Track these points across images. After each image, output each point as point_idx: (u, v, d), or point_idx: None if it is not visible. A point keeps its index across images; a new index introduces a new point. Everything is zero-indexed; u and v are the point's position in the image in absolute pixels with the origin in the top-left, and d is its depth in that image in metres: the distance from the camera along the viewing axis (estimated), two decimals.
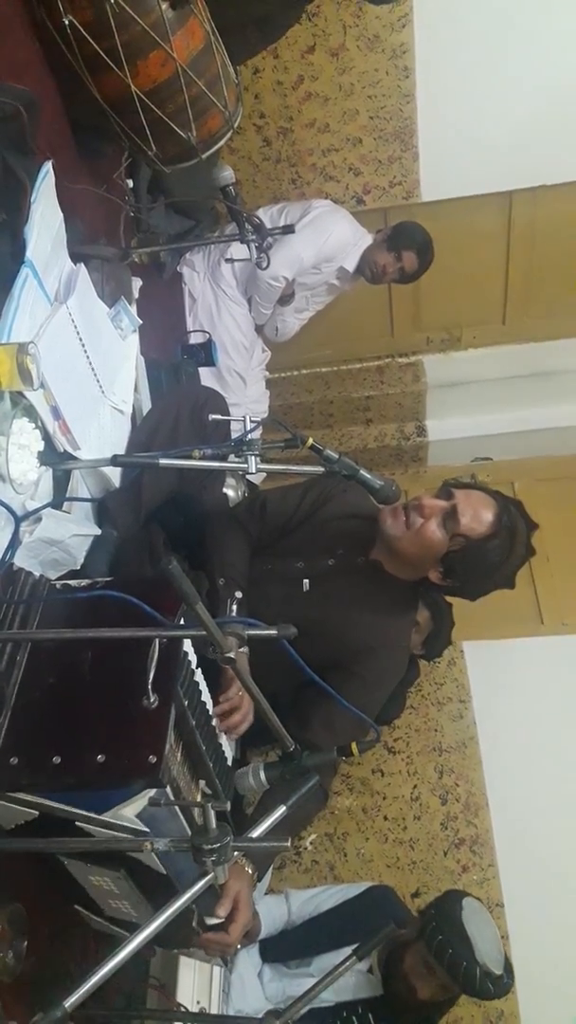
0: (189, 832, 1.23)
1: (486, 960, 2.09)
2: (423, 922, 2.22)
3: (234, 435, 1.98)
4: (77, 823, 1.18)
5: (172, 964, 1.88)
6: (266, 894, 2.66)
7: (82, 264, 1.80)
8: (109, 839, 1.19)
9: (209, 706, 1.51)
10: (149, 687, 1.18)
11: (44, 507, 1.53)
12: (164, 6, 1.75)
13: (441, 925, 2.16)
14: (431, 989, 2.18)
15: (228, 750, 1.62)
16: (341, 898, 2.55)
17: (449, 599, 2.64)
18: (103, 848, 1.24)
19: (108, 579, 1.55)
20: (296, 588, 1.94)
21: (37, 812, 1.18)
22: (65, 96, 1.93)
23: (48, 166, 1.68)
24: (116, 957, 0.99)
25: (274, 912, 2.54)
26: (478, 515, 1.79)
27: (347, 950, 2.03)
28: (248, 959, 2.41)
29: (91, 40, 1.76)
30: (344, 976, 2.18)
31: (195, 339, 3.00)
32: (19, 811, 1.19)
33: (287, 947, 2.47)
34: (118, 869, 1.33)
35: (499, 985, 2.10)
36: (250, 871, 1.61)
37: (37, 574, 1.46)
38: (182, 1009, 1.78)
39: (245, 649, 1.65)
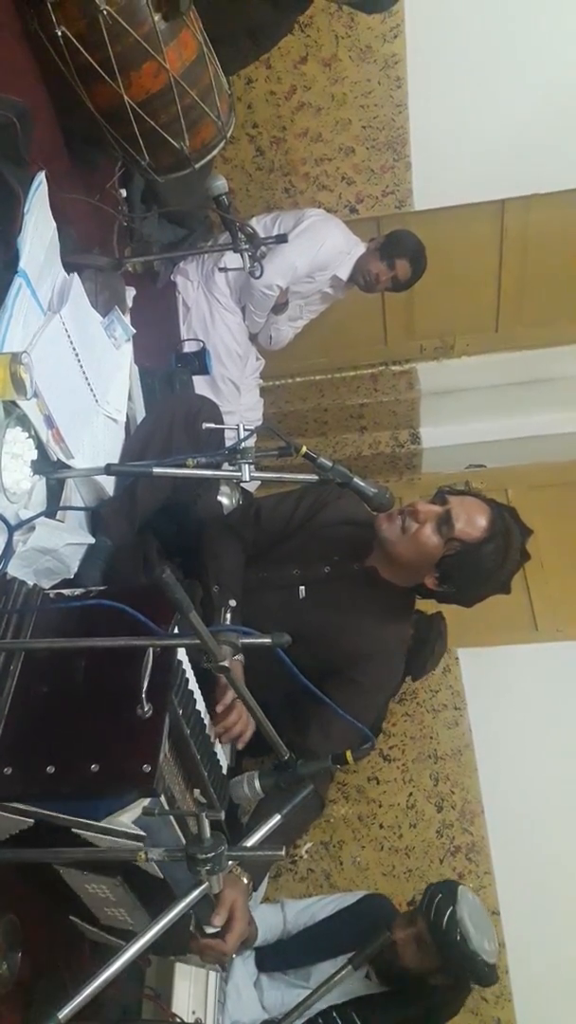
0: (184, 841, 1.23)
1: (480, 939, 2.14)
2: (424, 895, 2.28)
3: (228, 443, 1.98)
4: (73, 830, 1.17)
5: (168, 974, 1.88)
6: (261, 903, 2.66)
7: (75, 274, 1.81)
8: (103, 850, 1.19)
9: (204, 715, 1.50)
10: (143, 696, 1.18)
11: (37, 516, 1.53)
12: (157, 17, 1.76)
13: (441, 890, 2.24)
14: (416, 959, 2.22)
15: (223, 759, 1.62)
16: (336, 907, 2.55)
17: (445, 609, 2.64)
18: (97, 858, 1.24)
19: (102, 588, 1.54)
20: (292, 595, 1.94)
21: (32, 821, 1.18)
22: (58, 107, 1.94)
23: (41, 176, 1.69)
24: (111, 968, 0.98)
25: (269, 921, 2.53)
26: (472, 520, 1.80)
27: (343, 959, 2.05)
28: (244, 969, 2.40)
29: (84, 51, 1.76)
30: (341, 985, 2.21)
31: (189, 347, 3.00)
32: (13, 821, 1.19)
33: (284, 957, 2.46)
34: (115, 876, 1.32)
35: (476, 958, 2.13)
36: (245, 880, 1.60)
37: (30, 583, 1.46)
38: (178, 1019, 1.77)
39: (240, 657, 1.65)
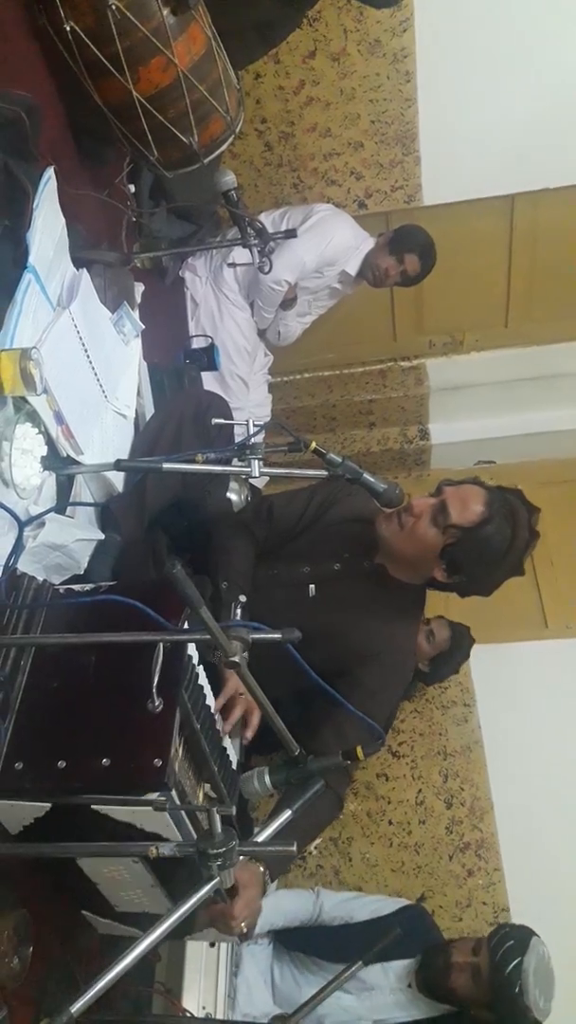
0: (195, 836, 1.23)
1: (538, 997, 2.13)
2: (496, 933, 2.26)
3: (237, 439, 1.98)
4: (93, 807, 1.17)
5: (178, 969, 1.88)
6: (295, 888, 2.67)
7: (84, 269, 1.81)
8: (115, 844, 1.19)
9: (213, 710, 1.50)
10: (154, 691, 1.18)
11: (47, 512, 1.53)
12: (165, 12, 1.76)
13: (514, 936, 2.21)
14: (467, 987, 2.21)
15: (233, 754, 1.62)
16: (375, 911, 2.53)
17: (455, 604, 2.63)
18: (110, 854, 1.24)
19: (111, 583, 1.55)
20: (302, 593, 1.94)
21: (48, 806, 1.18)
22: (67, 102, 1.94)
23: (50, 172, 1.69)
24: (122, 962, 0.99)
25: (299, 904, 2.54)
26: (467, 504, 1.77)
27: (376, 967, 2.03)
28: (254, 965, 2.40)
29: (93, 46, 1.76)
30: (382, 994, 2.27)
31: (197, 343, 3.00)
32: (28, 809, 1.19)
33: (311, 941, 2.47)
34: None
35: (528, 1013, 2.11)
36: (262, 869, 1.59)
37: (40, 579, 1.46)
38: (188, 1014, 1.77)
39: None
